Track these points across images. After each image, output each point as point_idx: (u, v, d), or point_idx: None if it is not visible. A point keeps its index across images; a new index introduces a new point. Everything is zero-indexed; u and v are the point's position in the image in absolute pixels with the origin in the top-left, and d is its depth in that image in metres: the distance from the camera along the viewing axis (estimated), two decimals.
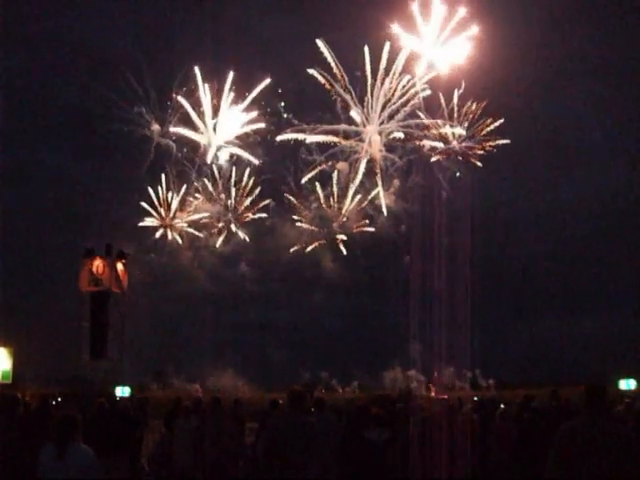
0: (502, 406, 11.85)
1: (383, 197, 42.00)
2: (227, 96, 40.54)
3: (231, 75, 40.00)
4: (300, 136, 40.01)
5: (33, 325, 38.45)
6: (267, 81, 40.11)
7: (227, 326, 43.61)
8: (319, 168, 41.23)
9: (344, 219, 42.95)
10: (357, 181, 41.50)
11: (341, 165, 41.75)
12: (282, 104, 40.29)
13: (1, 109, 38.59)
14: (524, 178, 52.36)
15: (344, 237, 43.37)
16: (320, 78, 38.85)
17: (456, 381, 48.25)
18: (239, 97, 40.86)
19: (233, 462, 11.61)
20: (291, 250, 43.13)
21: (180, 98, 39.82)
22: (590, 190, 55.40)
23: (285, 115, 40.68)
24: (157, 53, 44.65)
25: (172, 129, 40.72)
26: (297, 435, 6.26)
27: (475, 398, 19.46)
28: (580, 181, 55.90)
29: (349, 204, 42.43)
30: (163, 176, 42.16)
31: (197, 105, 41.17)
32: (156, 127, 41.47)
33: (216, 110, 41.10)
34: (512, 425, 9.89)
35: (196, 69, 39.42)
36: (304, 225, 43.36)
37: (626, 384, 26.24)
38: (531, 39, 42.89)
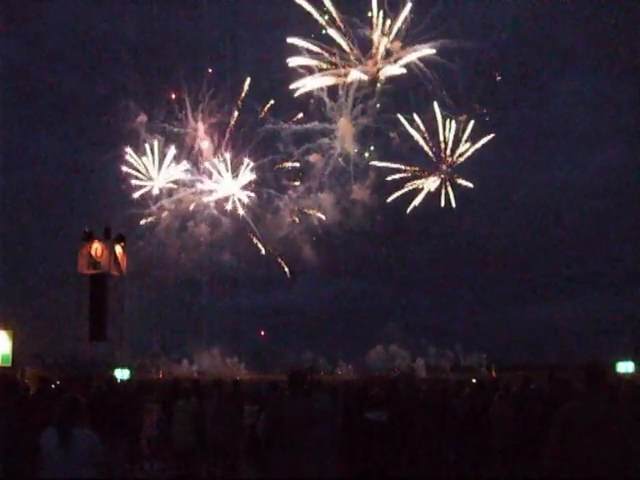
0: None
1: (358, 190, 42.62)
2: (205, 94, 41.06)
3: (210, 73, 40.46)
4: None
5: (32, 308, 38.58)
6: (248, 81, 40.66)
7: (212, 310, 44.24)
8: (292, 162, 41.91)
9: (321, 211, 43.42)
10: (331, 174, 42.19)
11: (315, 157, 42.24)
12: (270, 103, 40.83)
13: (1, 96, 38.53)
14: (524, 160, 52.39)
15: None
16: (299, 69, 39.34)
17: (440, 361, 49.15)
18: (217, 94, 41.38)
19: (232, 444, 11.63)
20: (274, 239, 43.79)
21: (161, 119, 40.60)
22: (592, 172, 55.42)
23: (262, 114, 41.36)
24: (148, 47, 44.79)
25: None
26: (298, 416, 6.26)
27: (473, 380, 19.51)
28: (582, 162, 55.89)
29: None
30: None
31: (180, 102, 41.73)
32: (143, 118, 41.86)
33: (198, 104, 41.58)
34: (511, 407, 9.88)
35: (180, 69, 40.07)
36: (284, 216, 43.79)
37: (624, 367, 26.36)
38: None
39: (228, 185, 42.56)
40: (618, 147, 54.43)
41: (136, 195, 43.02)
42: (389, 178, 42.42)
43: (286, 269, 44.50)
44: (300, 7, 38.53)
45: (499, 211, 52.49)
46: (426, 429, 9.26)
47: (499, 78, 40.14)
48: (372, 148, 42.37)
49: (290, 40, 38.91)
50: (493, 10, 44.40)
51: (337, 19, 38.65)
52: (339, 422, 7.55)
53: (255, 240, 43.95)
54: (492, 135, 41.69)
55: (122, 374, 30.85)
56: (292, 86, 39.89)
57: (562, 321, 50.68)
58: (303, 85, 39.97)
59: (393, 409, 7.62)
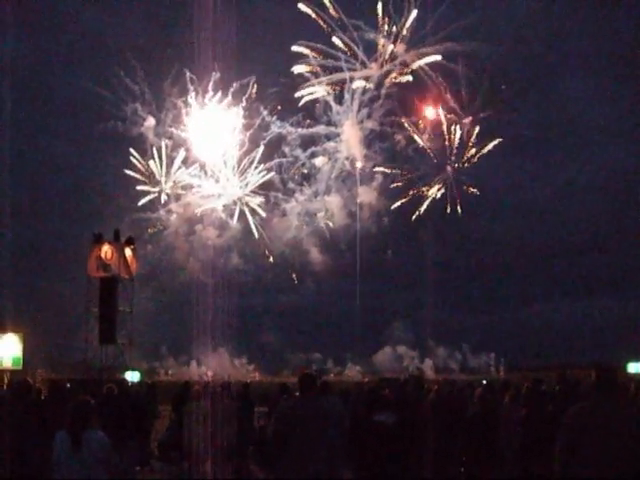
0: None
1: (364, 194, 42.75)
2: (212, 97, 41.24)
3: (217, 77, 40.58)
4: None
5: (43, 311, 38.68)
6: (254, 87, 40.89)
7: (221, 312, 44.65)
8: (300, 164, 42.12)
9: (328, 214, 43.54)
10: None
11: (320, 160, 42.39)
12: (277, 108, 41.02)
13: (9, 100, 38.78)
14: (530, 163, 52.23)
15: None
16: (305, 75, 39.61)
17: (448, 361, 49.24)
18: (223, 98, 41.57)
19: (243, 446, 11.66)
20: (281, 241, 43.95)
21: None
22: (603, 174, 55.20)
23: (268, 118, 41.57)
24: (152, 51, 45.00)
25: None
26: (307, 417, 6.27)
27: (484, 381, 19.48)
28: (590, 165, 55.67)
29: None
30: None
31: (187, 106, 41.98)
32: (151, 122, 42.10)
33: (204, 107, 41.80)
34: (521, 408, 9.86)
35: (187, 72, 40.26)
36: (291, 219, 43.93)
37: (635, 367, 26.17)
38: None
39: (235, 189, 42.75)
40: (629, 150, 54.16)
41: (144, 200, 43.25)
42: (394, 185, 42.47)
43: (293, 274, 44.60)
44: (307, 11, 38.79)
45: (506, 213, 52.37)
46: (435, 430, 9.25)
47: (504, 87, 40.07)
48: (377, 152, 42.50)
49: (295, 48, 39.25)
50: (497, 13, 44.34)
51: (342, 23, 38.82)
52: (348, 423, 7.56)
53: (262, 245, 44.08)
54: (498, 140, 41.55)
55: (132, 377, 30.93)
56: (297, 94, 40.08)
57: (572, 321, 50.55)
58: (309, 93, 40.16)
59: (402, 411, 7.62)
